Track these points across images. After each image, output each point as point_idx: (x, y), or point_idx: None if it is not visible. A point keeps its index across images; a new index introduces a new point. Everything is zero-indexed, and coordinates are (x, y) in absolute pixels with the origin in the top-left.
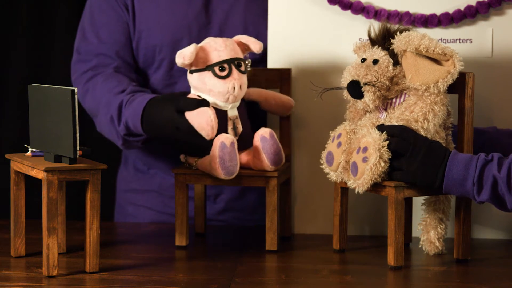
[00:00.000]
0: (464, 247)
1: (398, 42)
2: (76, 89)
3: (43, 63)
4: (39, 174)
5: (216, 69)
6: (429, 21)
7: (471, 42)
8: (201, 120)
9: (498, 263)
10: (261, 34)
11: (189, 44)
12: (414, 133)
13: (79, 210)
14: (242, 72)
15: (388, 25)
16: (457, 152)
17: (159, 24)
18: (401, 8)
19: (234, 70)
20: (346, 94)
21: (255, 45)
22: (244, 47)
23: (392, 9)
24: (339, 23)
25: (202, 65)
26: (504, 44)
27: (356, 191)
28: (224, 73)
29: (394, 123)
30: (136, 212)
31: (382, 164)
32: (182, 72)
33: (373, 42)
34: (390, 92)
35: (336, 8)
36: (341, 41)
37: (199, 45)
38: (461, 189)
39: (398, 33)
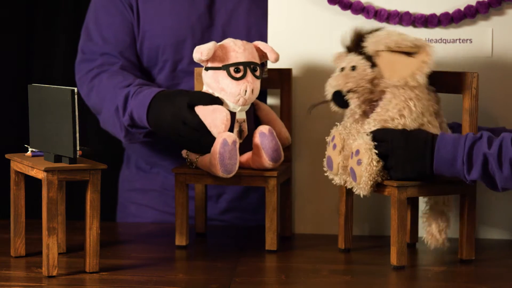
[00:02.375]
0: (468, 248)
1: (369, 45)
2: (76, 89)
3: (46, 62)
4: (39, 174)
5: (232, 69)
6: (429, 21)
7: (471, 42)
8: (215, 117)
9: (502, 263)
10: (264, 36)
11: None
12: (389, 131)
13: (79, 210)
14: (257, 77)
15: (359, 30)
16: (444, 133)
17: (162, 25)
18: (401, 8)
19: (249, 74)
20: (333, 106)
21: (272, 55)
22: (262, 53)
23: (392, 9)
24: (339, 23)
25: (218, 63)
26: (504, 44)
27: (361, 196)
28: (238, 75)
29: (372, 125)
30: (139, 212)
31: (375, 163)
32: (186, 73)
33: (348, 49)
34: (374, 94)
35: (336, 8)
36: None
37: (219, 43)
38: (451, 169)
39: (368, 35)
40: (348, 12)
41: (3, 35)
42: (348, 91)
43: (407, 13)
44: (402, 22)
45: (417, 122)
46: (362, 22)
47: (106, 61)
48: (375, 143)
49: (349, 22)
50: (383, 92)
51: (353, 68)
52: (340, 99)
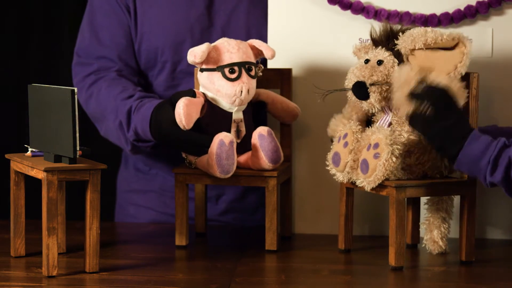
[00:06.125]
0: (468, 248)
1: (404, 43)
2: (76, 89)
3: (50, 63)
4: (39, 174)
5: (226, 70)
6: (429, 21)
7: (471, 42)
8: (176, 111)
9: (502, 263)
10: (264, 37)
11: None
12: (452, 99)
13: (79, 210)
14: (252, 77)
15: (391, 26)
16: (479, 133)
17: (161, 27)
18: (401, 8)
19: (244, 74)
20: (350, 95)
21: (268, 52)
22: (257, 51)
23: (392, 9)
24: (339, 23)
25: (212, 64)
26: (504, 44)
27: (366, 189)
28: (233, 76)
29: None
30: (137, 213)
31: (394, 159)
32: (185, 74)
33: (376, 42)
34: None
35: (336, 8)
36: (341, 41)
37: (213, 44)
38: (474, 166)
39: (400, 33)
40: (348, 12)
41: (3, 35)
42: (372, 84)
43: (407, 13)
44: (402, 22)
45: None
46: (362, 22)
47: (103, 66)
48: (427, 87)
49: (349, 22)
50: None
51: (379, 62)
52: (361, 90)
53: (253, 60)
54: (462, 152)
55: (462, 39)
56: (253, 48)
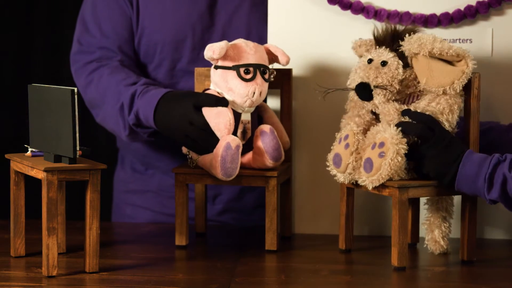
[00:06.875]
0: (470, 248)
1: (409, 46)
2: (76, 89)
3: (51, 63)
4: (39, 174)
5: (242, 70)
6: (429, 21)
7: (471, 42)
8: (219, 121)
9: (502, 263)
10: (264, 39)
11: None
12: (440, 124)
13: (79, 210)
14: (266, 80)
15: (396, 26)
16: (473, 152)
17: (162, 23)
18: (401, 8)
19: (258, 76)
20: (353, 94)
21: (283, 58)
22: (271, 56)
23: (392, 9)
24: (339, 23)
25: (229, 63)
26: (504, 44)
27: (369, 188)
28: (248, 76)
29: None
30: (134, 213)
31: (399, 158)
32: (185, 73)
33: (380, 42)
34: (400, 95)
35: (336, 8)
36: (341, 41)
37: (231, 43)
38: (473, 187)
39: (407, 35)
40: (348, 12)
41: (3, 34)
42: (376, 86)
43: (407, 13)
44: (402, 22)
45: (456, 120)
46: (362, 22)
47: (105, 55)
48: (416, 122)
49: (349, 22)
50: (408, 95)
51: (383, 63)
52: (365, 91)
53: (267, 64)
54: (459, 174)
55: (467, 58)
56: (268, 52)
